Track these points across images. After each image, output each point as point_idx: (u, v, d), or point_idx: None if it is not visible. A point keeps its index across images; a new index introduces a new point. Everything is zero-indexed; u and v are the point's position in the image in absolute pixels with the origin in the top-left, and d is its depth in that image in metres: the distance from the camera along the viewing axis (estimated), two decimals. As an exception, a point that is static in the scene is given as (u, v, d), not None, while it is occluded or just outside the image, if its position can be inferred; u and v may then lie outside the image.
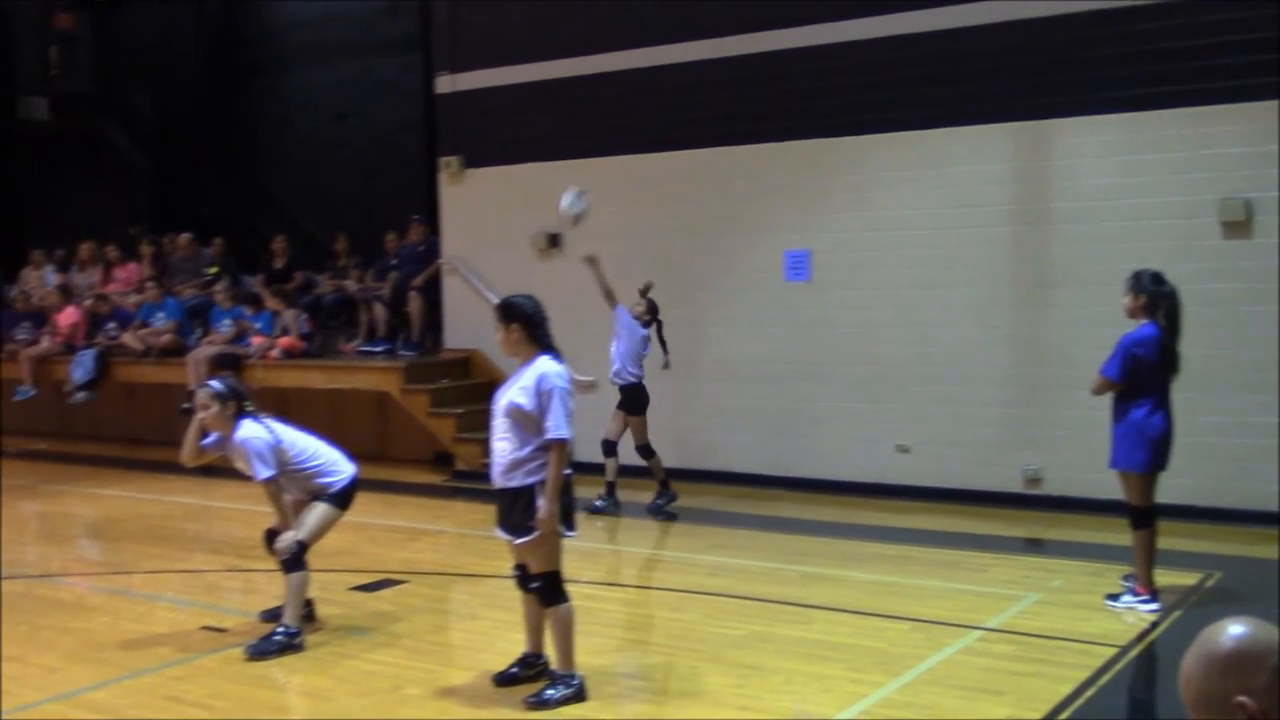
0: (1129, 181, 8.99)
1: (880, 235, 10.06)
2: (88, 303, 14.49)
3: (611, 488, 9.44)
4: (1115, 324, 6.80)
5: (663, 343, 9.59)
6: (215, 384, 6.34)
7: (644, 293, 9.62)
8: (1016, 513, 9.21)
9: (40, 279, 15.75)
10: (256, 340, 12.64)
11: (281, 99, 16.54)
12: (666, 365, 9.63)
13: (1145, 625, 6.31)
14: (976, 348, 9.69)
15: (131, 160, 17.39)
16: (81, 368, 13.70)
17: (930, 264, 9.84)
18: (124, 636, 6.51)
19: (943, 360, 9.82)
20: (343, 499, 6.34)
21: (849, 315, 10.24)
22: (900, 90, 9.92)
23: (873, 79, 10.03)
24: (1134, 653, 5.95)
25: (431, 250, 12.67)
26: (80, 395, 13.71)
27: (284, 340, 12.54)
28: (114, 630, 6.65)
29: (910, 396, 9.98)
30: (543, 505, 5.14)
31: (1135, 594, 6.59)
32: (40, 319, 14.84)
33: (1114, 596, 6.70)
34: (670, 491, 9.49)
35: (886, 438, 10.08)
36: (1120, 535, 6.90)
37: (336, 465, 6.37)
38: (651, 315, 9.60)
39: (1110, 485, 6.89)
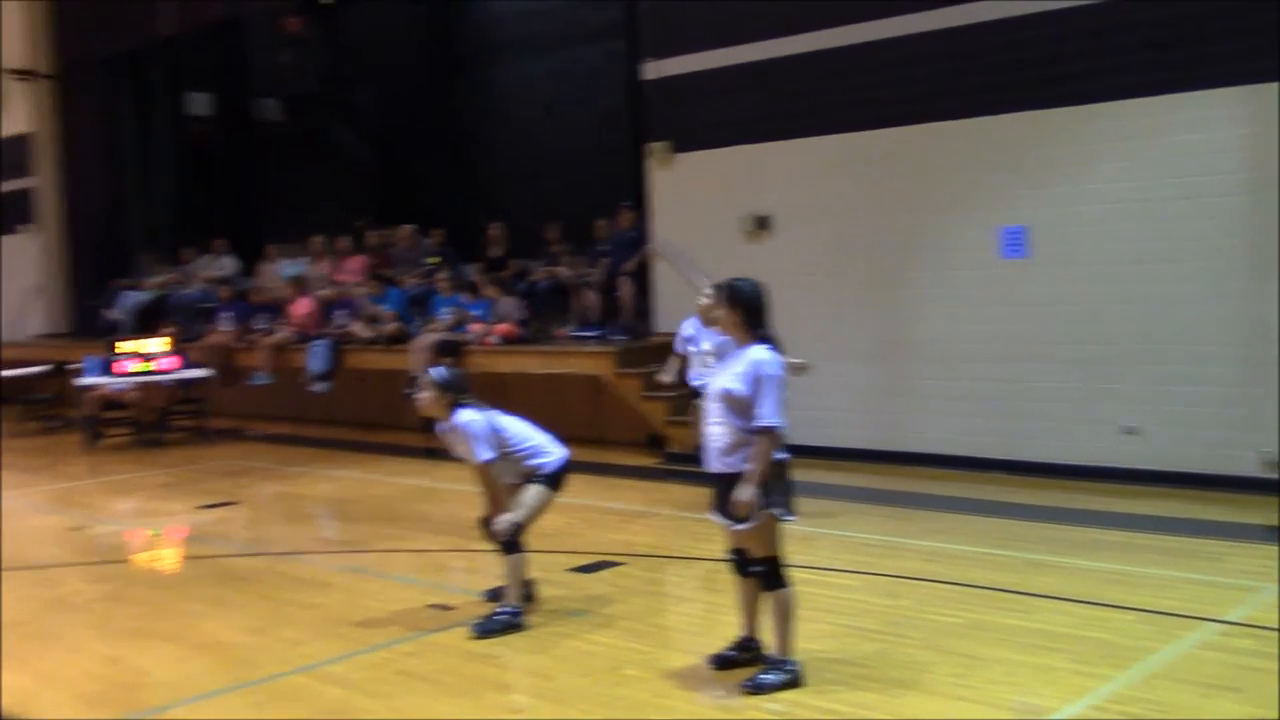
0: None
1: (1101, 209, 9.67)
2: (320, 294, 15.26)
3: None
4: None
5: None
6: (437, 372, 6.60)
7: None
8: (1251, 498, 8.73)
9: (275, 272, 16.67)
10: (475, 327, 13.09)
11: (493, 91, 16.98)
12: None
13: (1401, 621, 5.91)
14: (1206, 325, 9.22)
15: (356, 156, 18.20)
16: (318, 357, 14.45)
17: (1155, 238, 9.40)
18: (358, 612, 6.86)
19: (1170, 338, 9.38)
20: (555, 481, 6.50)
21: (1069, 292, 9.89)
22: (1120, 56, 9.49)
23: (1089, 46, 9.63)
24: (1388, 650, 5.58)
25: (641, 235, 12.84)
26: (319, 385, 14.46)
27: (501, 327, 12.93)
28: (349, 606, 7.02)
29: (1135, 376, 9.58)
30: (746, 490, 5.17)
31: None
32: (276, 310, 15.72)
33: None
34: None
35: (1109, 419, 9.70)
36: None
37: (548, 448, 6.55)
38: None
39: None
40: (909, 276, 10.76)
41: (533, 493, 6.45)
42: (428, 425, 6.70)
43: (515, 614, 6.34)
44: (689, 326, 9.31)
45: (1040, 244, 10.00)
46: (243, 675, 5.86)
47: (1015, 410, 10.22)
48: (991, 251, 10.26)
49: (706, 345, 8.64)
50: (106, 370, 14.39)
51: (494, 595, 6.63)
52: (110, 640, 6.58)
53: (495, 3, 17.01)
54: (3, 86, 20.84)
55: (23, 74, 20.62)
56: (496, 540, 6.44)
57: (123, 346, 14.63)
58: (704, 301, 8.39)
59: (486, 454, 6.31)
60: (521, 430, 6.56)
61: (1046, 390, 10.05)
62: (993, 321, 10.33)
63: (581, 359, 12.53)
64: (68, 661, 6.22)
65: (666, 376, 9.67)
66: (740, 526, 5.29)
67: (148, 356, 14.48)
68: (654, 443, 12.24)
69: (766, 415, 5.17)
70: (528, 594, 6.62)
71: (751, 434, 5.20)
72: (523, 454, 6.47)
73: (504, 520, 6.38)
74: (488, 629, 6.26)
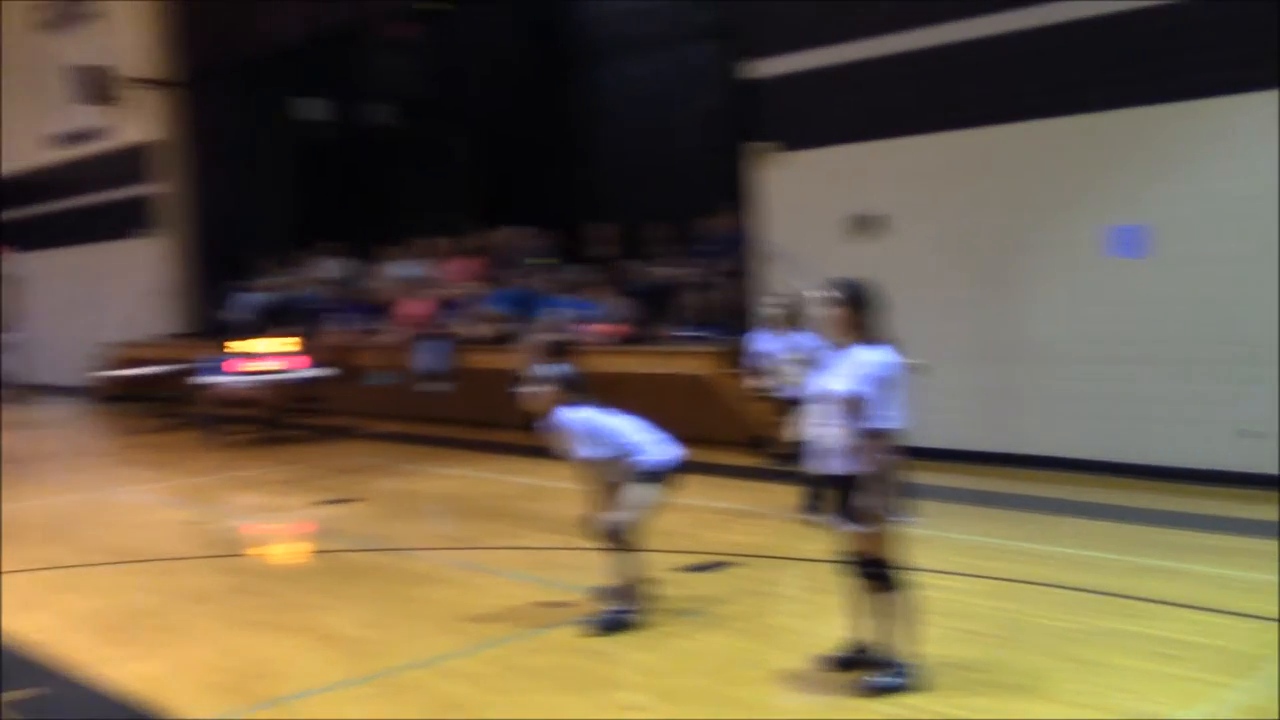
0: None
1: (1218, 207, 9.46)
2: (432, 294, 15.57)
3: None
4: None
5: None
6: (543, 370, 6.68)
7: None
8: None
9: (388, 274, 17.04)
10: (582, 327, 13.24)
11: (598, 92, 17.15)
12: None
13: None
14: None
15: (466, 158, 18.51)
16: (429, 356, 14.74)
17: (1272, 236, 9.16)
18: (473, 608, 7.01)
19: (1293, 339, 9.15)
20: (661, 479, 6.46)
21: (1183, 292, 9.68)
22: (1230, 50, 9.26)
23: (1209, 38, 9.42)
24: None
25: (743, 235, 12.86)
26: (431, 383, 14.74)
27: (607, 326, 13.07)
28: (464, 601, 7.18)
29: (1252, 378, 9.35)
30: (864, 493, 5.18)
31: None
32: (388, 311, 16.08)
33: None
34: None
35: (1224, 422, 9.48)
36: None
37: (655, 447, 6.51)
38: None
39: None
40: (1018, 276, 10.63)
41: (637, 491, 6.44)
42: (533, 423, 6.80)
43: (626, 612, 6.43)
44: (763, 339, 9.27)
45: (1155, 243, 9.81)
46: (363, 668, 6.05)
47: (1126, 412, 10.04)
48: (1103, 251, 10.10)
49: (794, 353, 8.64)
50: (223, 370, 14.86)
51: (604, 593, 6.70)
52: (235, 631, 6.82)
53: (600, 4, 17.17)
54: (123, 95, 21.57)
55: (142, 82, 21.32)
56: (600, 538, 6.53)
57: (237, 346, 15.08)
58: (808, 302, 8.38)
59: (585, 451, 6.37)
60: (623, 428, 6.52)
61: (1158, 391, 9.86)
62: (1103, 321, 10.17)
63: (685, 359, 12.60)
64: (195, 651, 6.46)
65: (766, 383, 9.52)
66: (857, 529, 5.30)
67: (264, 355, 14.91)
68: (757, 443, 12.25)
69: (887, 417, 5.15)
70: (639, 592, 6.66)
71: (870, 436, 5.18)
72: (622, 452, 6.44)
73: (606, 518, 6.46)
74: (599, 626, 6.36)
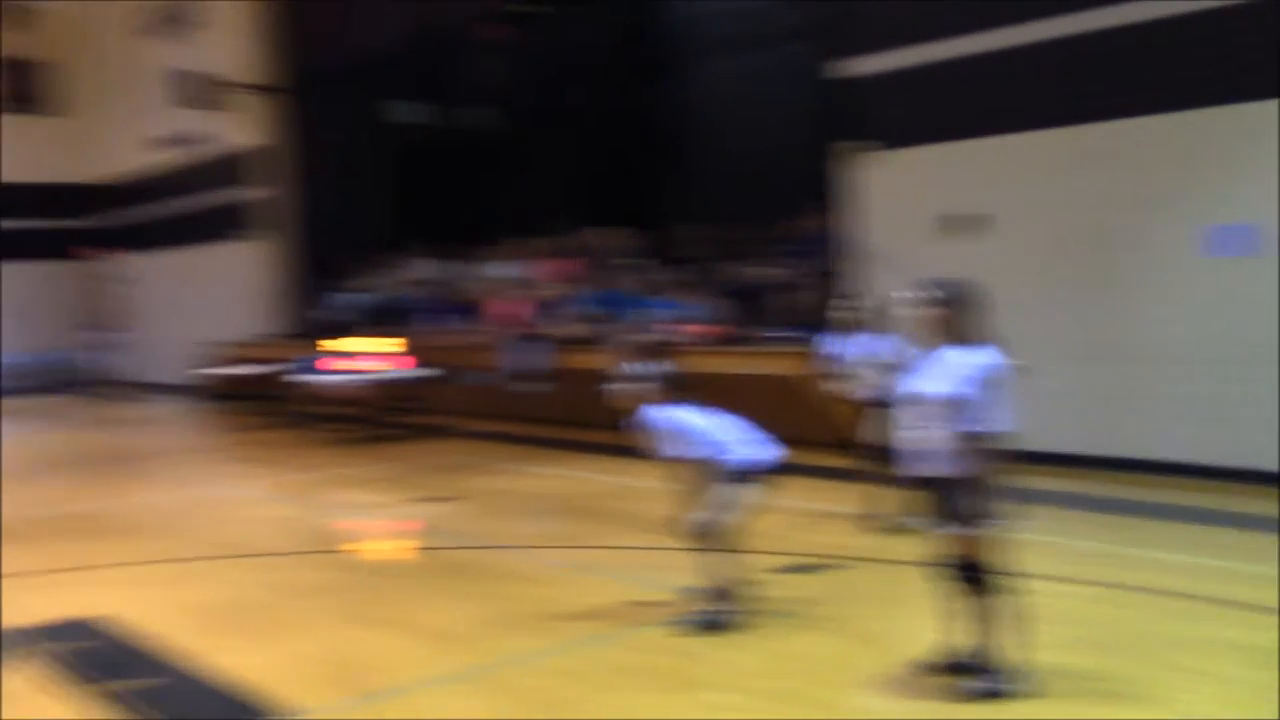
0: None
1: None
2: (527, 295, 15.74)
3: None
4: None
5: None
6: (636, 368, 6.71)
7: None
8: None
9: (484, 274, 17.26)
10: (677, 327, 13.27)
11: (693, 93, 17.17)
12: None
13: None
14: None
15: (560, 159, 18.66)
16: (525, 357, 14.90)
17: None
18: (568, 606, 7.08)
19: None
20: (753, 480, 6.41)
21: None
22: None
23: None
24: None
25: (837, 236, 12.79)
26: (528, 384, 14.88)
27: (701, 327, 13.09)
28: (558, 599, 7.25)
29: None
30: (967, 497, 5.12)
31: None
32: (484, 311, 16.29)
33: None
34: None
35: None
36: None
37: (746, 447, 6.45)
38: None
39: None
40: (1121, 276, 10.43)
41: (723, 491, 6.40)
42: (623, 422, 6.83)
43: (719, 613, 6.43)
44: (837, 341, 9.20)
45: (1264, 241, 9.57)
46: (461, 662, 6.15)
47: (1237, 414, 9.79)
48: (1210, 250, 9.87)
49: (870, 356, 8.57)
50: (317, 369, 15.19)
51: (697, 594, 6.72)
52: (339, 625, 6.97)
53: (691, 4, 17.19)
54: (227, 100, 22.11)
55: (245, 88, 21.82)
56: (690, 538, 6.53)
57: (332, 345, 15.40)
58: (901, 303, 8.31)
59: (674, 450, 6.39)
60: (714, 428, 6.46)
61: (1270, 393, 9.61)
62: (1210, 322, 9.93)
63: (775, 360, 12.57)
64: (301, 644, 6.61)
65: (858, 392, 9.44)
66: (958, 532, 5.23)
67: (366, 355, 15.20)
68: (846, 445, 12.18)
69: (991, 419, 5.08)
70: (732, 593, 6.64)
71: (972, 439, 5.10)
72: (711, 451, 6.41)
73: (695, 518, 6.46)
74: (692, 626, 6.38)
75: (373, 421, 15.47)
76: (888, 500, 8.73)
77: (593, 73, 18.21)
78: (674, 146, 17.37)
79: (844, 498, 10.17)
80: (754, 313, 13.77)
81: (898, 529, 8.37)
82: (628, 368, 6.90)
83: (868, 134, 12.37)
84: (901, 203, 12.03)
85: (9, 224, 26.55)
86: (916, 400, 5.34)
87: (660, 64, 17.58)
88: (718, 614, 6.44)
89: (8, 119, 26.45)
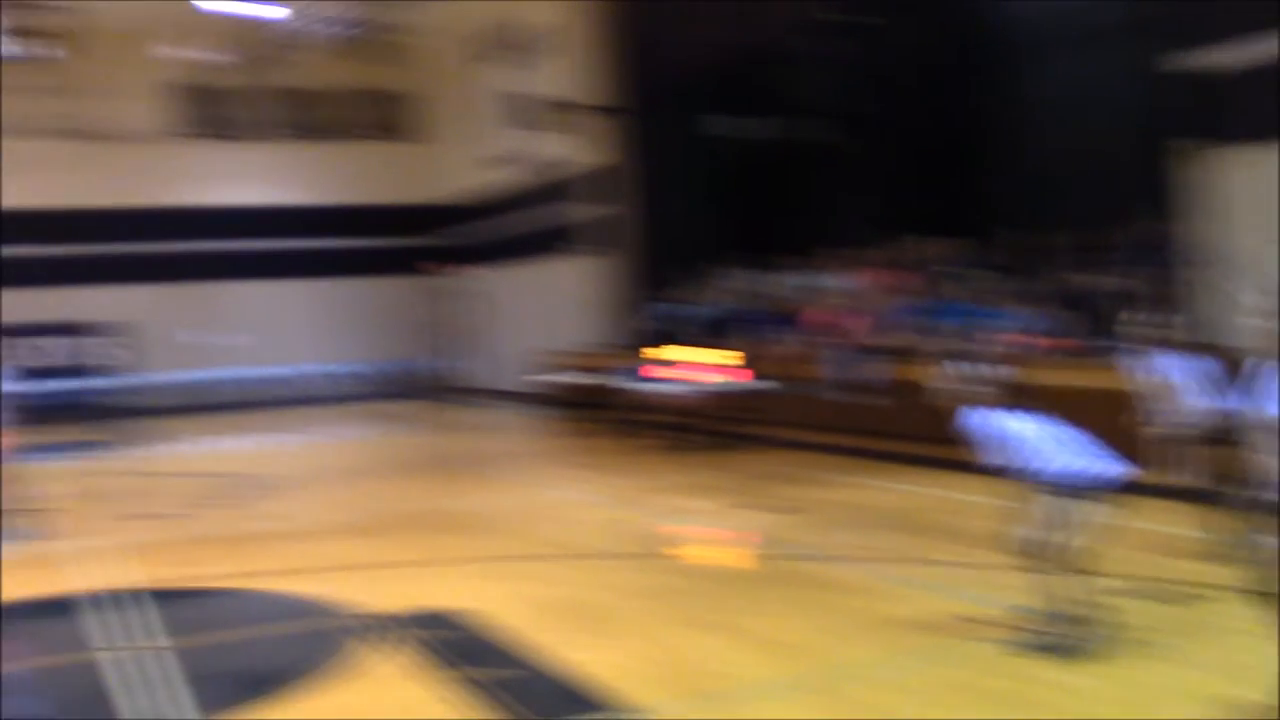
0: None
1: None
2: (854, 305, 15.73)
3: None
4: None
5: None
6: (971, 373, 6.61)
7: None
8: None
9: (814, 285, 17.34)
10: (1008, 338, 12.89)
11: (1020, 95, 16.66)
12: None
13: None
14: None
15: (885, 168, 18.51)
16: (849, 367, 14.90)
17: None
18: (896, 618, 7.09)
19: None
20: (1093, 496, 6.14)
21: None
22: None
23: None
24: None
25: (1173, 240, 12.12)
26: (859, 395, 14.84)
27: (1033, 338, 12.68)
28: (886, 612, 7.26)
29: None
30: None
31: None
32: (814, 323, 16.35)
33: None
34: None
35: None
36: None
37: (1081, 462, 6.17)
38: None
39: None
40: None
41: (1051, 506, 6.17)
42: (953, 429, 6.68)
43: (1058, 635, 6.26)
44: (1165, 363, 8.67)
45: None
46: (793, 670, 6.28)
47: None
48: None
49: (1188, 374, 8.07)
50: (648, 378, 15.75)
51: (1033, 614, 6.54)
52: (672, 628, 7.24)
53: (1017, 4, 16.72)
54: (570, 122, 23.22)
55: (586, 109, 22.84)
56: (1022, 556, 6.36)
57: (658, 354, 15.92)
58: (1252, 314, 7.83)
59: (999, 459, 6.23)
60: (1044, 439, 6.21)
61: None
62: None
63: (1106, 373, 12.00)
64: (638, 644, 6.91)
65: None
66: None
67: (702, 365, 15.65)
68: (1183, 463, 11.49)
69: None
70: (1068, 615, 6.39)
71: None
72: (1033, 462, 6.17)
73: (1022, 534, 6.30)
74: (1029, 647, 6.26)
75: (704, 430, 15.85)
76: (1239, 527, 8.22)
77: (917, 78, 17.98)
78: (999, 152, 16.91)
79: (1189, 519, 9.63)
80: (1091, 323, 13.21)
81: (1255, 558, 7.84)
82: (960, 369, 6.80)
83: (1215, 132, 11.65)
84: (1247, 204, 11.26)
85: (363, 243, 28.98)
86: (1266, 423, 5.06)
87: (985, 67, 17.15)
88: (1057, 637, 6.27)
89: (373, 146, 28.93)
